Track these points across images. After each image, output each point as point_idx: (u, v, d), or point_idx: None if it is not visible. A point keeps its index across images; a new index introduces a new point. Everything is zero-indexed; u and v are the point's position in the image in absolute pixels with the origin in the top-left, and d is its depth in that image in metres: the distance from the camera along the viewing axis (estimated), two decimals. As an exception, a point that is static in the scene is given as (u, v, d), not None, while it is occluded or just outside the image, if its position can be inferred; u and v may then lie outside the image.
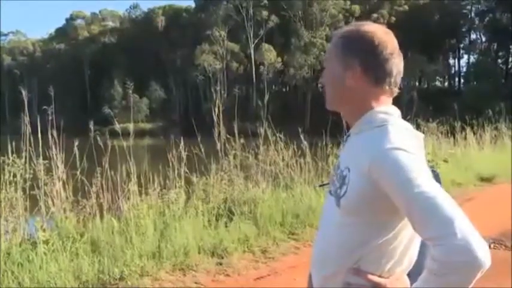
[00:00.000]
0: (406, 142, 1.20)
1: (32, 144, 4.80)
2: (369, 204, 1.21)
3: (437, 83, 54.18)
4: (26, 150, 4.68)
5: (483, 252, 1.04)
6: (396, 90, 1.33)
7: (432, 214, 1.08)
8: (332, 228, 1.31)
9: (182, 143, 5.84)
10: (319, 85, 48.68)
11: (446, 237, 1.05)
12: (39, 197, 4.63)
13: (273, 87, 52.60)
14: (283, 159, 6.78)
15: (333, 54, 1.35)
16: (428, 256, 1.11)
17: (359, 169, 1.22)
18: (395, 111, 1.31)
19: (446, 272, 1.06)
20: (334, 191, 1.30)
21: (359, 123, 1.31)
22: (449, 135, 10.91)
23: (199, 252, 4.54)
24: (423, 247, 1.30)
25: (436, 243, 1.07)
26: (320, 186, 2.97)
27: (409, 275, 1.29)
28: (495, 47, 50.07)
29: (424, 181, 1.12)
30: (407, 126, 1.29)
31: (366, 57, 1.28)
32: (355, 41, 1.30)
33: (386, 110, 1.29)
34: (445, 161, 8.70)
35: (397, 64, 1.30)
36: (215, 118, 6.31)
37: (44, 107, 5.31)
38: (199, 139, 6.25)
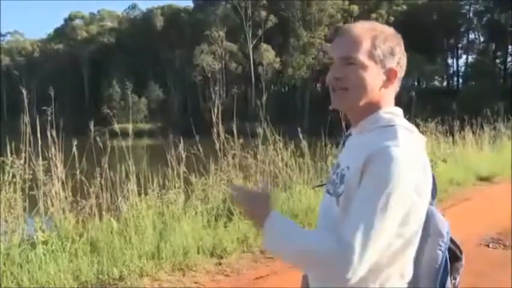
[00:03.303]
0: (409, 146, 1.19)
1: (32, 145, 4.80)
2: None
3: (436, 83, 54.25)
4: (25, 151, 4.68)
5: (354, 269, 1.11)
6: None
7: (357, 231, 1.12)
8: (333, 228, 1.28)
9: (181, 143, 5.84)
10: (318, 85, 48.79)
11: (346, 245, 1.11)
12: (38, 197, 4.63)
13: (272, 87, 52.60)
14: (282, 159, 6.78)
15: (365, 52, 1.25)
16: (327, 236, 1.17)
17: (356, 166, 1.21)
18: (400, 112, 1.31)
19: (315, 255, 1.16)
20: (334, 190, 1.29)
21: (364, 123, 1.30)
22: (448, 135, 10.92)
23: (198, 253, 4.54)
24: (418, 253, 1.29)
25: (334, 236, 1.14)
26: (315, 187, 2.97)
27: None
28: (493, 47, 50.17)
29: (386, 209, 1.13)
30: (412, 128, 1.28)
31: (399, 60, 1.30)
32: (391, 42, 1.28)
33: (392, 110, 1.29)
34: (444, 160, 8.70)
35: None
36: (214, 118, 6.30)
37: (44, 107, 5.30)
38: (197, 139, 6.25)
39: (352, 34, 1.27)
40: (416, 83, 49.47)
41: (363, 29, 1.28)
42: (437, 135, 10.32)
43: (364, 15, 45.80)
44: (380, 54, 1.26)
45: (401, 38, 1.33)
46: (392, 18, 46.55)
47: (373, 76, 1.26)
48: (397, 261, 1.23)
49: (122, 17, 69.99)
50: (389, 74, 1.28)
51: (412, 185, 1.17)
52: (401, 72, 1.31)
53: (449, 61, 54.44)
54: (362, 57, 1.25)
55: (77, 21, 70.03)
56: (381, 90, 1.28)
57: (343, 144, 1.44)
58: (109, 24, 70.16)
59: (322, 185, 1.55)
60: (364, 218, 1.13)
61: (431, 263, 1.29)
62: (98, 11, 72.08)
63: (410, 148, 1.19)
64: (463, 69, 52.66)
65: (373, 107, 1.28)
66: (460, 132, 11.24)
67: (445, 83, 54.78)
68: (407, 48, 1.37)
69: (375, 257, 1.14)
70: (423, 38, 43.68)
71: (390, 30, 1.32)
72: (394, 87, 1.31)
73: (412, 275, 1.27)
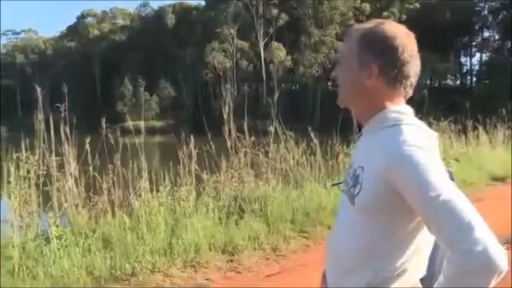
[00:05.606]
0: (422, 141, 1.20)
1: (45, 141, 4.85)
2: (383, 204, 1.21)
3: (449, 82, 53.72)
4: (39, 147, 4.73)
5: (500, 256, 1.04)
6: (411, 92, 1.33)
7: (448, 218, 1.08)
8: (346, 226, 1.32)
9: (193, 141, 5.85)
10: (329, 83, 48.65)
11: (463, 241, 1.05)
12: (52, 193, 4.68)
13: (283, 85, 52.50)
14: (293, 157, 6.77)
15: (351, 51, 1.32)
16: (444, 260, 1.11)
17: (373, 169, 1.22)
18: (409, 110, 1.31)
19: (463, 276, 1.06)
20: (348, 190, 1.30)
21: (371, 122, 1.31)
22: (460, 134, 10.81)
23: (210, 249, 4.56)
24: (433, 251, 1.31)
25: (452, 247, 1.07)
26: (333, 185, 2.96)
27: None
28: (508, 44, 49.47)
29: (441, 183, 1.12)
30: (421, 124, 1.28)
31: (386, 59, 1.27)
32: (376, 41, 1.28)
33: (399, 109, 1.29)
34: (457, 160, 8.63)
35: (415, 67, 1.30)
36: (225, 116, 6.31)
37: (57, 104, 5.36)
38: (209, 137, 6.27)
39: (346, 35, 1.36)
40: (428, 82, 49.03)
41: (357, 28, 1.34)
42: (450, 134, 10.23)
43: (376, 14, 45.48)
44: (366, 52, 1.28)
45: (414, 36, 1.33)
46: (404, 17, 46.18)
47: (356, 72, 1.29)
48: (423, 247, 1.26)
49: (134, 15, 70.26)
50: (382, 71, 1.28)
51: (440, 164, 1.19)
52: (400, 70, 1.28)
53: (463, 59, 53.87)
54: (348, 55, 1.32)
55: (89, 19, 70.47)
56: (371, 88, 1.29)
57: (356, 143, 1.46)
58: (121, 22, 70.49)
59: (338, 184, 1.56)
60: (439, 205, 1.10)
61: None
62: (110, 9, 72.49)
63: (424, 143, 1.19)
64: (477, 67, 52.08)
65: (374, 105, 1.30)
66: (473, 132, 11.11)
67: (458, 82, 54.23)
68: (420, 46, 1.35)
69: (476, 214, 1.09)
70: (436, 36, 43.25)
71: (390, 27, 1.31)
72: (397, 85, 1.29)
73: (427, 273, 1.29)
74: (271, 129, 6.80)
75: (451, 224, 1.08)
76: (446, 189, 1.11)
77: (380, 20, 1.34)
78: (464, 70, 53.80)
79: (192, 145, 5.82)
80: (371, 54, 1.28)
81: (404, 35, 1.30)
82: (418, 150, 1.16)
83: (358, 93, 1.31)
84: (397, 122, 1.25)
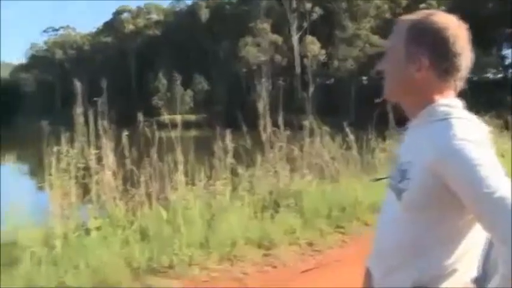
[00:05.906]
0: (472, 135, 1.15)
1: (84, 135, 4.97)
2: (431, 198, 1.17)
3: (490, 75, 51.93)
4: (78, 140, 4.85)
5: None
6: (461, 85, 1.28)
7: (503, 215, 1.03)
8: (391, 222, 1.28)
9: (229, 135, 5.86)
10: (363, 78, 47.98)
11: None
12: (91, 185, 4.78)
13: (317, 79, 52.09)
14: (329, 152, 6.70)
15: (399, 43, 1.27)
16: (498, 259, 1.07)
17: (422, 164, 1.18)
18: (459, 103, 1.27)
19: None
20: (394, 185, 1.26)
21: (420, 116, 1.26)
22: (502, 129, 10.45)
23: (245, 244, 4.56)
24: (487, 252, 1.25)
25: (507, 244, 1.02)
26: (376, 180, 2.87)
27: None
28: (557, 35, 47.31)
29: (494, 178, 1.07)
30: (472, 118, 1.23)
31: (436, 50, 1.23)
32: (426, 32, 1.24)
33: (449, 102, 1.24)
34: (502, 155, 8.32)
35: (466, 59, 1.26)
36: (261, 110, 6.29)
37: (95, 98, 5.47)
38: (245, 131, 6.27)
39: (397, 26, 1.31)
40: (468, 75, 47.53)
41: (405, 20, 1.30)
42: (492, 129, 9.88)
43: (413, 6, 44.36)
44: (415, 44, 1.24)
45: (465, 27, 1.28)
46: (443, 8, 44.90)
47: (403, 65, 1.25)
48: (474, 247, 1.21)
49: (168, 10, 71.18)
50: (433, 63, 1.23)
51: (493, 158, 1.14)
52: (451, 62, 1.23)
53: (505, 52, 51.88)
54: (395, 47, 1.28)
55: (125, 15, 71.80)
56: (420, 81, 1.24)
57: (402, 137, 1.42)
58: (155, 17, 71.47)
59: (382, 179, 1.52)
60: (493, 202, 1.05)
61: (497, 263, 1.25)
62: (145, 5, 73.60)
63: (474, 137, 1.14)
64: (520, 60, 50.05)
65: (423, 99, 1.25)
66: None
67: (500, 75, 52.35)
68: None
69: None
70: (476, 28, 41.58)
71: (440, 18, 1.26)
72: (447, 78, 1.25)
73: (481, 272, 1.23)
74: (306, 123, 6.75)
75: (507, 221, 1.02)
76: (501, 185, 1.06)
77: (429, 11, 1.30)
78: (507, 63, 51.89)
79: (228, 139, 5.83)
80: (421, 46, 1.24)
81: (456, 26, 1.25)
82: (468, 144, 1.11)
83: (406, 87, 1.27)
84: (446, 115, 1.21)
